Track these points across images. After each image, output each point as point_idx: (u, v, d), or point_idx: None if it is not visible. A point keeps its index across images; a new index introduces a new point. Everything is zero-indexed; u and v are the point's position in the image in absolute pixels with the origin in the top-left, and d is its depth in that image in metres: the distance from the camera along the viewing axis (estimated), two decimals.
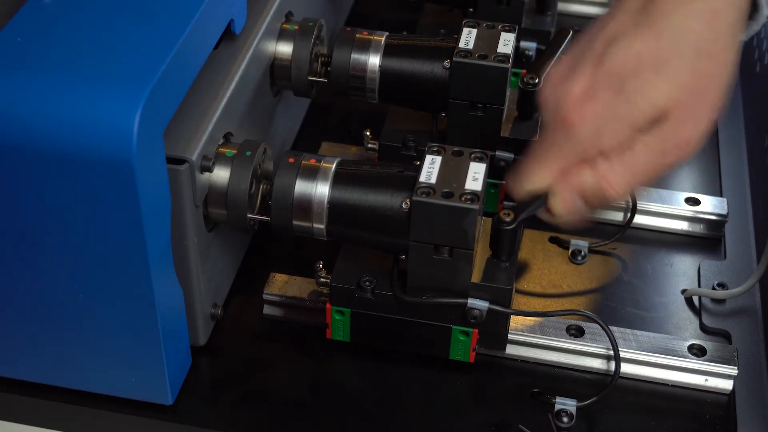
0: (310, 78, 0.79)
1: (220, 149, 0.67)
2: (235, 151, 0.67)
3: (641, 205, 0.80)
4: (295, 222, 0.67)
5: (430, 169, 0.64)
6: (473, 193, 0.63)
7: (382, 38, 0.77)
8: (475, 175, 0.64)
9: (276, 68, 0.78)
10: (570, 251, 0.78)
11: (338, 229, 0.67)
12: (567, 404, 0.67)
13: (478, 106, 0.75)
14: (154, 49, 0.58)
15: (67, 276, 0.61)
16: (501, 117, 0.75)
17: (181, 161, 0.62)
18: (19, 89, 0.56)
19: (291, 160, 0.67)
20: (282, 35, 0.78)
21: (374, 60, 0.76)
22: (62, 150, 0.55)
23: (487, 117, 0.75)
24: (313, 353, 0.72)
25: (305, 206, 0.66)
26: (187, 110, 0.64)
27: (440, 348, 0.69)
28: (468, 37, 0.75)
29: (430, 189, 0.63)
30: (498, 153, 0.76)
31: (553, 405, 0.67)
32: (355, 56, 0.77)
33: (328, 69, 0.78)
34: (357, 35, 0.77)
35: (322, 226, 0.67)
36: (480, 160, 0.65)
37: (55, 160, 0.55)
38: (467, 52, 0.73)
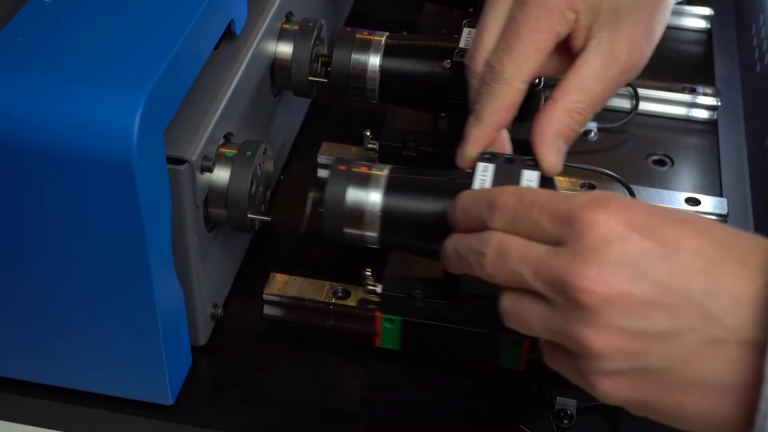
0: (310, 78, 0.79)
1: (221, 149, 0.67)
2: (235, 151, 0.67)
3: None
4: (346, 230, 0.66)
5: (483, 176, 0.62)
6: None
7: (382, 38, 0.77)
8: (529, 183, 0.62)
9: (276, 68, 0.78)
10: None
11: (391, 237, 0.66)
12: (567, 404, 0.67)
13: None
14: (154, 49, 0.58)
15: (67, 276, 0.61)
16: None
17: (181, 161, 0.62)
18: (19, 89, 0.56)
19: (342, 167, 0.66)
20: (282, 35, 0.78)
21: (374, 60, 0.76)
22: (62, 150, 0.55)
23: None
24: (313, 353, 0.72)
25: (357, 214, 0.65)
26: (187, 110, 0.64)
27: (490, 356, 0.68)
28: (468, 37, 0.75)
29: None
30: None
31: (554, 405, 0.67)
32: (356, 56, 0.77)
33: (328, 69, 0.78)
34: (357, 35, 0.77)
35: (374, 235, 0.66)
36: (532, 167, 0.63)
37: (55, 160, 0.55)
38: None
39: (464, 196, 0.59)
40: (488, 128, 0.64)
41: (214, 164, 0.66)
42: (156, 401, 0.66)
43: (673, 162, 0.88)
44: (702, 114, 0.92)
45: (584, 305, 0.50)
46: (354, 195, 0.65)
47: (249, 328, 0.73)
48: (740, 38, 1.01)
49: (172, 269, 0.63)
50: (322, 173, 0.85)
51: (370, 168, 0.66)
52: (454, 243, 0.58)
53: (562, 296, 0.51)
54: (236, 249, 0.76)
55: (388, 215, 0.65)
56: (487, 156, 0.64)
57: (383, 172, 0.66)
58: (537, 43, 0.62)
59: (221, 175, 0.66)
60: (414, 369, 0.70)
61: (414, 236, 0.65)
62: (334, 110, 0.92)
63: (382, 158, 0.79)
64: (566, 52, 0.65)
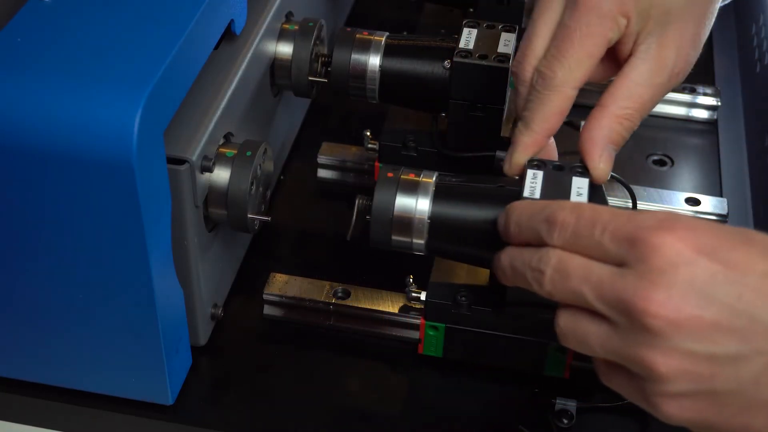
0: (310, 78, 0.79)
1: (221, 149, 0.67)
2: (235, 151, 0.67)
3: (641, 205, 0.80)
4: (394, 237, 0.66)
5: (533, 184, 0.62)
6: None
7: (382, 38, 0.77)
8: (579, 191, 0.62)
9: (276, 68, 0.78)
10: None
11: (438, 244, 0.66)
12: (567, 404, 0.67)
13: (478, 106, 0.75)
14: (154, 49, 0.58)
15: (67, 276, 0.61)
16: (501, 117, 0.75)
17: (181, 161, 0.62)
18: (19, 89, 0.56)
19: (390, 174, 0.66)
20: (282, 35, 0.78)
21: (374, 60, 0.76)
22: (62, 150, 0.55)
23: (487, 117, 0.75)
24: (313, 353, 0.72)
25: (405, 222, 0.65)
26: (187, 110, 0.64)
27: (535, 363, 0.68)
28: (468, 37, 0.75)
29: None
30: (498, 153, 0.76)
31: (554, 405, 0.67)
32: (356, 56, 0.77)
33: (328, 69, 0.78)
34: (357, 35, 0.77)
35: (422, 242, 0.66)
36: (581, 174, 0.63)
37: (55, 160, 0.55)
38: (467, 52, 0.73)
39: (519, 209, 0.58)
40: (538, 135, 0.63)
41: (214, 164, 0.66)
42: (156, 401, 0.66)
43: (673, 162, 0.88)
44: (702, 114, 0.92)
45: (651, 329, 0.49)
46: (402, 203, 0.65)
47: (249, 328, 0.73)
48: (740, 38, 1.01)
49: (172, 269, 0.63)
50: (322, 173, 0.85)
51: (417, 175, 0.66)
52: (510, 257, 0.57)
53: (627, 318, 0.50)
54: (236, 249, 0.76)
55: (436, 223, 0.65)
56: (536, 163, 0.64)
57: (431, 179, 0.65)
58: (589, 49, 0.62)
59: (221, 175, 0.66)
60: (413, 369, 0.70)
61: (462, 244, 0.65)
62: (334, 110, 0.92)
63: (382, 158, 0.79)
64: (611, 57, 0.64)
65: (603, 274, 0.52)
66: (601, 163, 0.63)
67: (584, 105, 0.93)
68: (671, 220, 0.51)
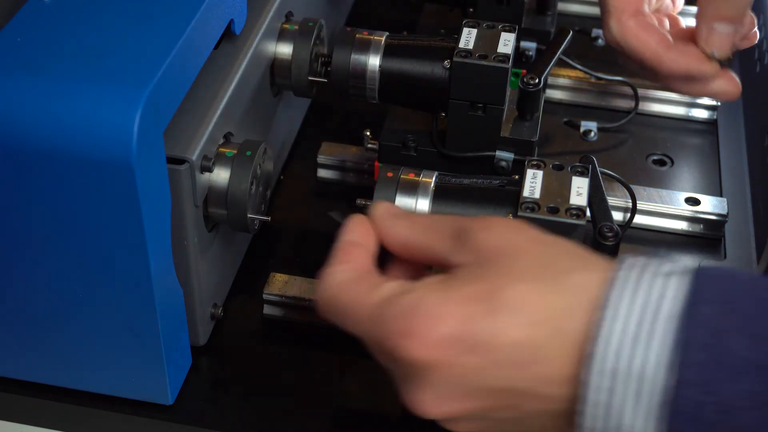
0: (310, 78, 0.79)
1: (221, 149, 0.67)
2: (235, 151, 0.67)
3: (641, 205, 0.80)
4: None
5: (533, 183, 0.63)
6: (579, 208, 0.62)
7: (382, 38, 0.77)
8: (579, 190, 0.63)
9: (276, 68, 0.79)
10: None
11: None
12: None
13: (478, 106, 0.75)
14: (154, 49, 0.58)
15: (67, 276, 0.61)
16: (501, 117, 0.75)
17: (181, 161, 0.62)
18: (19, 89, 0.56)
19: (389, 174, 0.67)
20: (282, 35, 0.78)
21: (374, 60, 0.76)
22: (62, 150, 0.55)
23: (487, 117, 0.75)
24: (313, 353, 0.72)
25: None
26: (187, 110, 0.65)
27: None
28: (468, 37, 0.75)
29: (534, 204, 0.63)
30: (498, 153, 0.76)
31: None
32: (355, 56, 0.77)
33: (328, 69, 0.78)
34: (357, 35, 0.77)
35: None
36: (581, 174, 0.64)
37: (55, 160, 0.55)
38: (467, 52, 0.73)
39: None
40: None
41: (214, 164, 0.66)
42: (156, 401, 0.66)
43: (673, 162, 0.88)
44: (702, 114, 0.92)
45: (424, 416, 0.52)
46: (402, 203, 0.65)
47: (249, 328, 0.73)
48: None
49: (172, 269, 0.63)
50: (322, 173, 0.85)
51: (417, 175, 0.66)
52: None
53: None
54: (236, 249, 0.76)
55: None
56: (536, 162, 0.65)
57: (431, 179, 0.66)
58: None
59: (221, 175, 0.66)
60: None
61: None
62: (334, 110, 0.92)
63: (382, 158, 0.79)
64: None
65: None
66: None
67: (583, 105, 0.94)
68: (410, 317, 0.50)
